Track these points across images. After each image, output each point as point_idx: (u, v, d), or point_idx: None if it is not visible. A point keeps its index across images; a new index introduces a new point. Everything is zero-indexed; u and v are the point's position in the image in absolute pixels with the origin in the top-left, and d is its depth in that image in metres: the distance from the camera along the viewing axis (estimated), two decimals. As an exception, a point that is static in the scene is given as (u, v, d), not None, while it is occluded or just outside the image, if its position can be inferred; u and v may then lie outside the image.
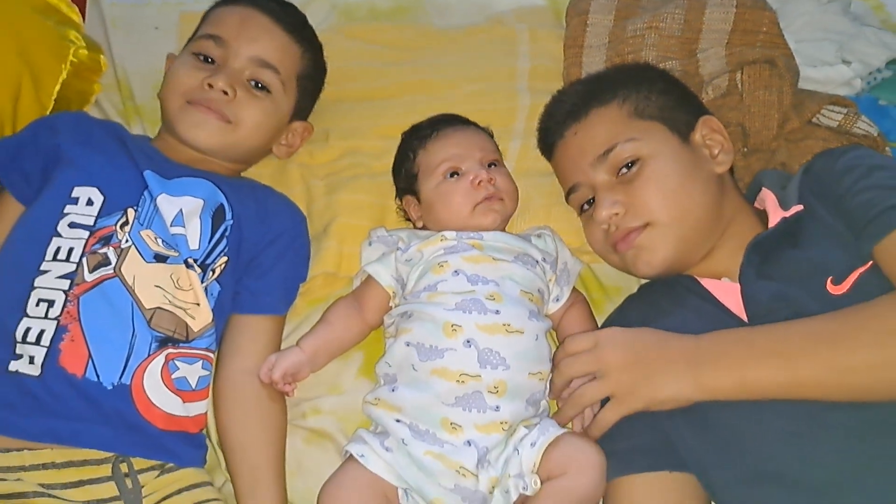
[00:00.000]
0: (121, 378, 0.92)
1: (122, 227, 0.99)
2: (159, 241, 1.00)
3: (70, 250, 0.96)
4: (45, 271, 0.94)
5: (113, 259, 0.97)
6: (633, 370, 0.88)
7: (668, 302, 0.97)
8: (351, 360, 1.07)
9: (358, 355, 1.08)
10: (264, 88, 1.09)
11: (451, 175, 1.05)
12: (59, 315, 0.92)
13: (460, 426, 0.91)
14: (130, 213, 1.00)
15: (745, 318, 0.91)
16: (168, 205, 1.01)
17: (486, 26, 1.33)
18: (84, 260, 0.95)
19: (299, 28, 1.15)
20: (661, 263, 0.98)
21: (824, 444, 0.83)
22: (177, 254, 1.00)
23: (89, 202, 0.99)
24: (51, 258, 0.95)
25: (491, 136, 1.14)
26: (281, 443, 1.01)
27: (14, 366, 0.89)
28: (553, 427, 0.93)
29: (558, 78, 1.26)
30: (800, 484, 0.83)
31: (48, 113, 1.13)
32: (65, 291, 0.93)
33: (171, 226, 1.00)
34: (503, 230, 1.08)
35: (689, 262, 0.99)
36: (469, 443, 0.91)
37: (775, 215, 0.96)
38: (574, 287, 1.10)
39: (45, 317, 0.92)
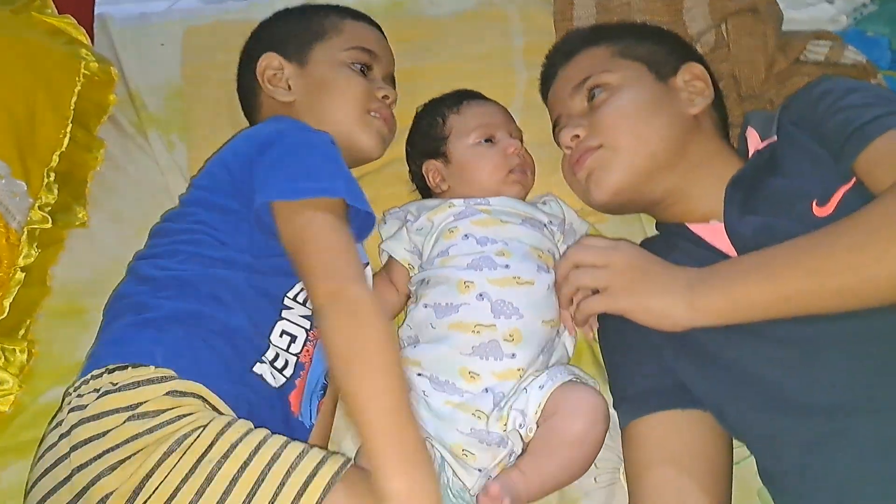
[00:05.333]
0: (311, 419, 1.01)
1: None
2: None
3: None
4: (290, 307, 0.99)
5: None
6: (634, 273, 0.95)
7: (663, 251, 1.02)
8: None
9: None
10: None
11: (486, 141, 1.14)
12: (300, 352, 0.99)
13: (478, 374, 0.99)
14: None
15: (735, 255, 0.97)
16: (369, 273, 1.07)
17: (477, 10, 1.43)
18: None
19: None
20: (611, 187, 1.04)
21: (828, 365, 0.87)
22: None
23: None
24: (293, 296, 1.00)
25: None
26: None
27: (258, 368, 0.94)
28: (563, 374, 1.00)
29: (552, 51, 1.33)
30: (809, 408, 0.86)
31: (69, 124, 1.22)
32: (306, 331, 1.00)
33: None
34: None
35: (647, 195, 1.06)
36: (486, 390, 0.99)
37: (754, 148, 1.03)
38: None
39: (287, 350, 0.97)
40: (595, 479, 1.03)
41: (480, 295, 1.02)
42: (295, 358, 0.98)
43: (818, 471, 0.86)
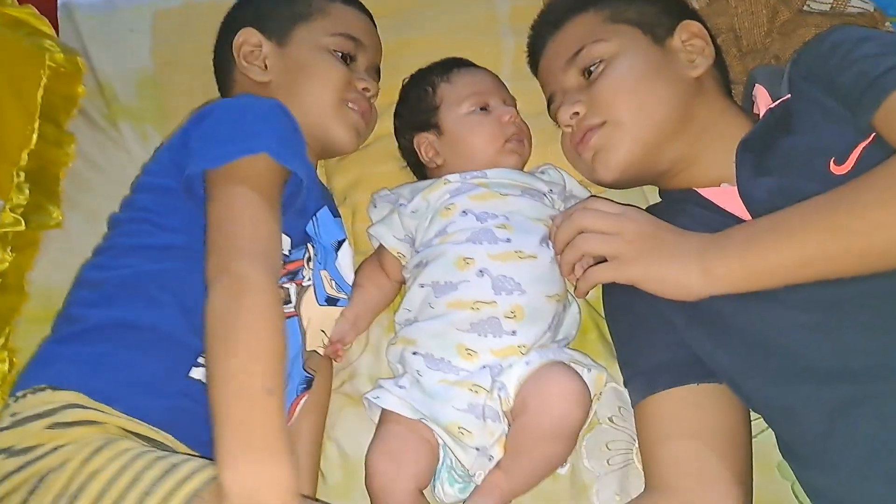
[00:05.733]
0: None
1: (308, 262, 1.01)
2: (333, 283, 1.04)
3: None
4: None
5: (293, 297, 0.99)
6: (645, 241, 0.90)
7: (671, 218, 0.98)
8: (381, 320, 1.12)
9: (386, 316, 1.12)
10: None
11: (480, 110, 1.09)
12: None
13: (475, 352, 0.96)
14: (310, 247, 1.02)
15: (749, 219, 0.92)
16: (348, 248, 1.06)
17: (459, -21, 1.35)
18: None
19: None
20: (618, 165, 1.00)
21: (851, 329, 0.83)
22: (345, 296, 1.05)
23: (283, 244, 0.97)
24: None
25: None
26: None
27: (195, 373, 0.88)
28: (554, 354, 0.96)
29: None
30: (835, 374, 0.83)
31: (36, 120, 1.17)
32: None
33: (342, 269, 1.05)
34: None
35: (656, 167, 1.01)
36: (484, 367, 0.95)
37: (764, 108, 0.98)
38: None
39: None
40: (608, 461, 0.99)
41: (480, 271, 0.97)
42: None
43: (841, 440, 0.82)
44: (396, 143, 1.19)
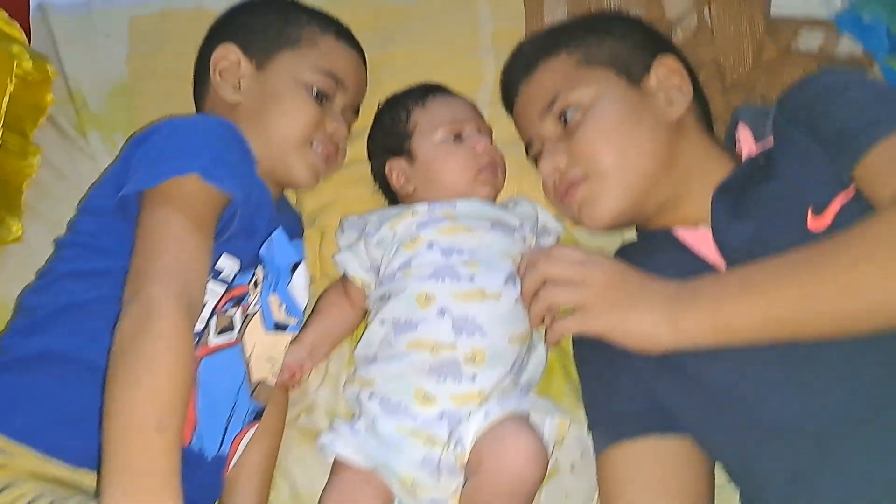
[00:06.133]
0: (219, 450, 0.93)
1: (254, 286, 0.98)
2: (283, 307, 1.01)
3: (203, 305, 0.91)
4: None
5: (238, 323, 0.96)
6: (612, 291, 0.87)
7: (644, 259, 0.96)
8: (342, 352, 1.10)
9: (347, 346, 1.10)
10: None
11: (454, 138, 1.07)
12: None
13: (434, 397, 0.93)
14: (259, 271, 0.98)
15: (724, 267, 0.91)
16: (303, 271, 1.03)
17: (443, -5, 1.32)
18: (213, 321, 0.93)
19: None
20: (605, 216, 0.97)
21: (818, 388, 0.81)
22: (295, 321, 1.02)
23: (230, 278, 0.95)
24: None
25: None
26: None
27: None
28: (512, 404, 0.93)
29: (521, 38, 1.24)
30: (799, 433, 0.81)
31: (0, 130, 1.14)
32: None
33: (295, 293, 1.02)
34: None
35: (644, 213, 0.99)
36: (442, 415, 0.93)
37: (747, 152, 0.96)
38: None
39: None
40: (568, 508, 0.97)
41: (441, 311, 0.95)
42: None
43: (804, 500, 0.81)
44: (370, 167, 1.16)
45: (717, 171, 0.97)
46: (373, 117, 1.16)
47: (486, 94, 1.21)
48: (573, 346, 1.04)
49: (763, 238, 0.87)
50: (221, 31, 1.12)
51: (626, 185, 0.96)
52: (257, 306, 0.98)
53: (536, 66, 1.04)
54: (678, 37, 1.15)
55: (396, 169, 1.09)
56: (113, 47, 1.32)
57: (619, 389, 0.94)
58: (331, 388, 1.07)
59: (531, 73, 1.05)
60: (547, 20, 1.21)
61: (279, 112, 1.03)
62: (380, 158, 1.12)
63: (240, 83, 1.06)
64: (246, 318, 0.97)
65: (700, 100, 1.05)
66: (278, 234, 1.02)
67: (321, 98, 1.05)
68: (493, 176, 1.07)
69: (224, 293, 0.93)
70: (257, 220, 0.95)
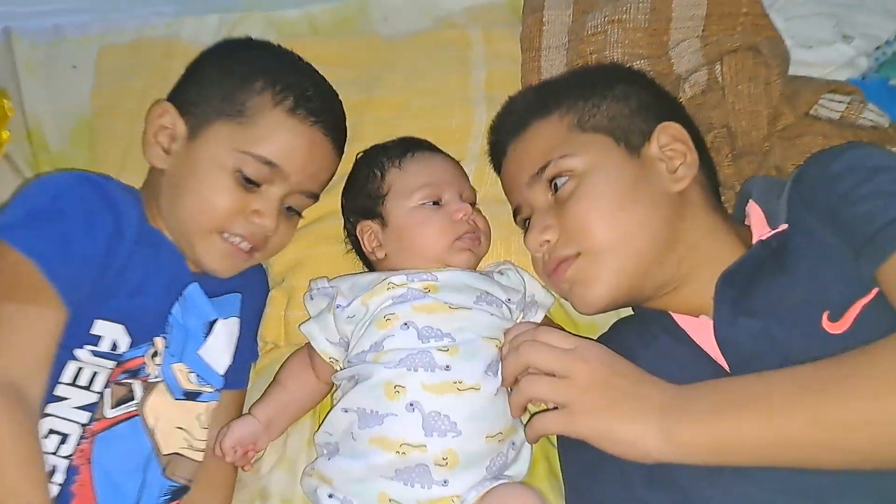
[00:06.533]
0: None
1: (151, 357, 0.91)
2: (192, 375, 0.94)
3: (93, 376, 0.86)
4: (62, 398, 0.85)
5: (138, 394, 0.89)
6: (600, 390, 0.78)
7: (638, 342, 0.88)
8: (303, 428, 1.02)
9: (308, 423, 1.02)
10: (297, 213, 1.01)
11: (433, 203, 0.98)
12: (72, 454, 0.84)
13: None
14: (159, 342, 0.91)
15: (726, 365, 0.81)
16: (224, 329, 0.96)
17: (435, 31, 1.26)
18: (108, 391, 0.87)
19: (343, 146, 1.04)
20: (597, 300, 0.89)
21: None
22: (211, 389, 0.95)
23: (114, 346, 0.88)
24: (69, 381, 0.86)
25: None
26: None
27: None
28: (497, 481, 0.85)
29: (517, 84, 1.17)
30: None
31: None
32: (82, 426, 0.85)
33: (211, 356, 0.95)
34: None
35: (640, 296, 0.91)
36: None
37: (758, 236, 0.87)
38: (546, 316, 1.02)
39: (56, 453, 0.83)
40: None
41: (411, 404, 0.85)
42: (66, 462, 0.83)
43: None
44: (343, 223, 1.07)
45: (723, 253, 0.88)
46: (350, 168, 1.07)
47: (476, 146, 1.13)
48: (557, 440, 0.94)
49: (771, 338, 0.78)
50: (183, 78, 1.02)
51: (622, 266, 0.87)
52: (157, 378, 0.91)
53: (527, 127, 0.95)
54: (685, 94, 1.05)
55: (368, 232, 1.00)
56: (79, 80, 1.24)
57: (605, 494, 0.85)
58: (287, 472, 0.98)
59: (521, 134, 0.96)
60: (544, 69, 1.12)
61: (192, 191, 0.93)
62: (352, 218, 1.04)
63: (170, 148, 0.96)
64: (148, 388, 0.90)
65: (707, 169, 0.95)
66: (191, 291, 0.94)
67: (250, 184, 0.93)
68: (473, 242, 0.98)
69: (115, 366, 0.87)
70: (148, 278, 0.89)
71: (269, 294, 1.09)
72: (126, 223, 0.90)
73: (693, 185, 0.91)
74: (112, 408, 0.87)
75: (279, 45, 1.06)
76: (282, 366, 1.02)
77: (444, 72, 1.19)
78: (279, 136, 0.94)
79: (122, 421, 0.87)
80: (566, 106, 0.93)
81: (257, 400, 0.99)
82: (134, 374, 0.89)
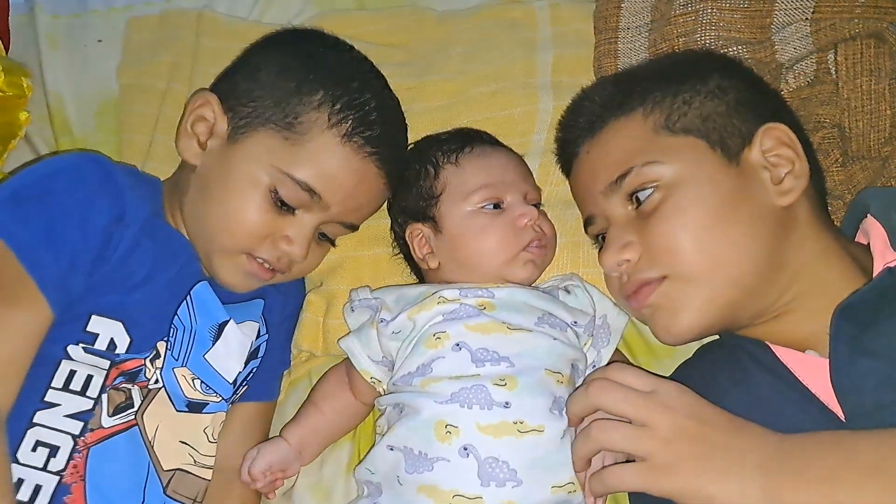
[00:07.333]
0: None
1: (151, 361, 0.83)
2: (197, 382, 0.86)
3: (88, 379, 0.79)
4: (53, 404, 0.77)
5: (137, 401, 0.81)
6: (687, 442, 0.67)
7: (727, 378, 0.76)
8: (340, 453, 0.94)
9: (347, 446, 0.94)
10: (330, 241, 0.92)
11: (493, 206, 0.87)
12: (63, 469, 0.76)
13: None
14: (160, 346, 0.84)
15: (839, 412, 0.70)
16: (235, 332, 0.87)
17: (497, 7, 1.12)
18: (105, 397, 0.79)
19: (398, 179, 0.92)
20: (684, 331, 0.78)
21: None
22: (217, 399, 0.87)
23: (111, 346, 0.81)
24: (61, 386, 0.78)
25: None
26: None
27: None
28: None
29: (589, 70, 1.04)
30: None
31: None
32: (74, 437, 0.77)
33: (219, 361, 0.87)
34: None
35: (735, 325, 0.79)
36: None
37: (881, 261, 0.75)
38: (617, 349, 0.90)
39: (44, 468, 0.76)
40: None
41: (465, 449, 0.75)
42: (56, 478, 0.75)
43: None
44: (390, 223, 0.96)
45: (835, 278, 0.77)
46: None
47: (541, 139, 1.01)
48: (629, 498, 0.83)
49: None
50: (234, 67, 0.92)
51: (715, 295, 0.76)
52: (157, 384, 0.83)
53: (604, 126, 0.83)
54: (789, 86, 0.91)
55: (419, 236, 0.90)
56: (105, 54, 1.15)
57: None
58: (322, 502, 0.89)
59: (597, 134, 0.84)
60: (622, 61, 0.98)
61: (220, 201, 0.84)
62: (401, 220, 0.93)
63: (206, 143, 0.86)
64: (147, 395, 0.81)
65: (816, 178, 0.82)
66: (199, 290, 0.85)
67: (284, 206, 0.84)
68: (539, 253, 0.87)
69: (111, 367, 0.80)
70: (152, 273, 0.82)
71: (306, 298, 1.00)
72: (131, 212, 0.82)
73: (801, 198, 0.78)
74: (110, 415, 0.79)
75: (353, 49, 0.94)
76: (317, 383, 0.93)
77: (505, 54, 1.06)
78: (327, 162, 0.84)
79: (119, 432, 0.79)
80: (651, 102, 0.80)
81: (289, 421, 0.91)
82: (132, 377, 0.81)
